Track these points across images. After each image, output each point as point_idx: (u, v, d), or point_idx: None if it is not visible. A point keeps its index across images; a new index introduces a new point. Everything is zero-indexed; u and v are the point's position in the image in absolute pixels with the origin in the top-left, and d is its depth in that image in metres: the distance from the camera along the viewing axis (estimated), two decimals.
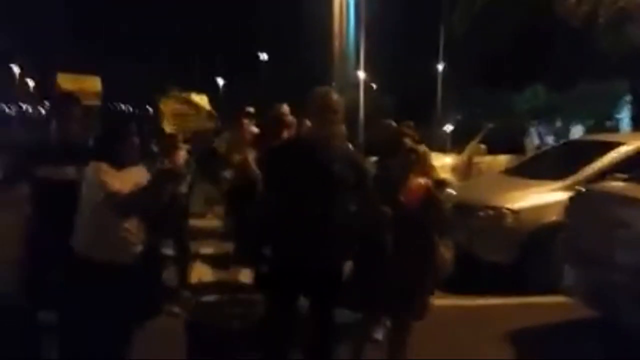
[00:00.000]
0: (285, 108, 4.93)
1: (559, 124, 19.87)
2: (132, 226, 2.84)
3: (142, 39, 41.29)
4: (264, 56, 39.73)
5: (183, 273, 4.97)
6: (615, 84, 14.08)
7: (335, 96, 2.98)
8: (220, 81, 42.38)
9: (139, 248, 2.92)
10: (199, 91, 6.41)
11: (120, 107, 43.51)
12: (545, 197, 5.59)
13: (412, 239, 3.17)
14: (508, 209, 5.56)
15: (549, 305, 4.85)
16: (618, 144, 5.85)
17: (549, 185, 5.75)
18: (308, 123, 5.55)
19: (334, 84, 29.84)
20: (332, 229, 2.90)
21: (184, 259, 5.04)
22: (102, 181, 2.70)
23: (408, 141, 3.49)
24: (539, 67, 13.25)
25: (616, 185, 4.47)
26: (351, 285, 3.20)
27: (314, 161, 2.88)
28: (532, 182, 6.13)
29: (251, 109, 5.98)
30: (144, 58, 40.70)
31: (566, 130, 18.97)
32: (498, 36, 12.05)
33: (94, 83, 8.95)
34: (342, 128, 3.47)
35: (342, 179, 2.88)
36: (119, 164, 2.82)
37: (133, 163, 2.92)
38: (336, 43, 31.08)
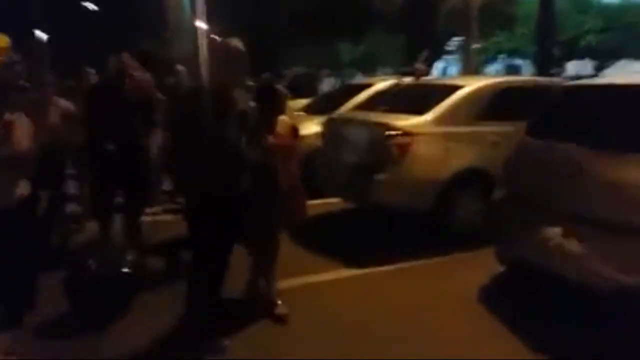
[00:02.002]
0: (127, 56, 4.94)
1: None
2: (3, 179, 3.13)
3: None
4: (91, 6, 37.59)
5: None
6: (399, 38, 16.79)
7: (240, 47, 3.31)
8: (43, 35, 39.28)
9: (16, 199, 3.21)
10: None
11: None
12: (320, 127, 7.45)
13: (287, 163, 3.76)
14: None
15: (324, 204, 6.36)
16: (370, 85, 7.94)
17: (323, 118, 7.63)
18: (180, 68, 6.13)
19: (167, 33, 29.56)
20: (235, 160, 3.27)
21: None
22: None
23: (280, 88, 3.99)
24: (343, 24, 15.27)
25: (350, 112, 6.45)
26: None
27: (221, 103, 3.22)
28: (314, 117, 8.00)
29: None
30: None
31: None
32: None
33: None
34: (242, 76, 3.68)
35: (242, 119, 3.29)
36: None
37: None
38: None
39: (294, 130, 3.93)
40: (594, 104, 3.83)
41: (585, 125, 3.76)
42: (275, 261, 3.90)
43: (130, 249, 4.32)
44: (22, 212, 3.22)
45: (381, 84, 7.78)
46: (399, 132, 5.02)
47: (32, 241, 3.38)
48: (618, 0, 29.31)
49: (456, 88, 5.45)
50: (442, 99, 5.34)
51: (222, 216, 3.24)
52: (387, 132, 5.05)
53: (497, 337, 3.52)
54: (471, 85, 5.54)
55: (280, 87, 4.00)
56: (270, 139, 3.64)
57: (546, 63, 10.34)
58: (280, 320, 3.73)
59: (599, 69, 28.85)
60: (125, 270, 3.89)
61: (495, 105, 5.35)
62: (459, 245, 4.94)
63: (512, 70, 25.64)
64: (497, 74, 25.36)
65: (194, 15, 25.77)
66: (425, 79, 6.89)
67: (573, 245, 3.46)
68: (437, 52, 16.49)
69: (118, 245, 4.64)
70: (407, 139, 4.99)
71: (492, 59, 33.56)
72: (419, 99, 5.81)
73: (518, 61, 26.70)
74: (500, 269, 4.38)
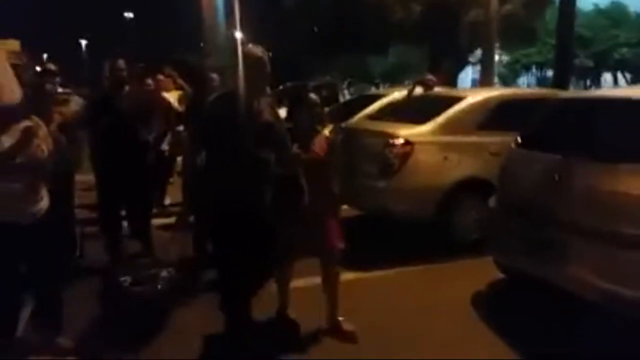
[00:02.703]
0: (121, 63, 4.76)
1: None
2: (22, 187, 3.04)
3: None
4: (129, 15, 39.02)
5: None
6: (423, 49, 16.95)
7: (260, 54, 3.17)
8: (83, 41, 40.99)
9: (37, 208, 3.14)
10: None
11: None
12: None
13: (319, 181, 3.45)
14: None
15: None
16: (381, 96, 8.13)
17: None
18: (214, 76, 5.88)
19: (202, 44, 30.30)
20: (260, 174, 3.15)
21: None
22: None
23: (312, 96, 3.73)
24: (366, 37, 15.47)
25: (359, 121, 6.66)
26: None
27: (245, 114, 3.11)
28: (329, 125, 8.23)
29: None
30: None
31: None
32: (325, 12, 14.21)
33: None
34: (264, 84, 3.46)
35: (268, 130, 3.17)
36: None
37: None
38: (206, 2, 31.15)
39: (333, 142, 3.58)
40: (584, 115, 3.93)
41: (575, 136, 3.85)
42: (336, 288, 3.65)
43: (160, 265, 4.24)
44: (44, 225, 3.15)
45: (395, 95, 7.95)
46: (399, 141, 5.18)
47: (55, 255, 3.31)
48: None
49: (459, 99, 5.59)
50: (444, 110, 5.48)
51: (243, 233, 3.09)
52: (388, 141, 5.22)
53: (491, 344, 3.59)
54: (474, 96, 5.68)
55: (312, 95, 3.74)
56: (296, 151, 3.35)
57: (566, 75, 10.32)
58: (350, 339, 3.54)
59: (634, 81, 28.30)
60: (159, 286, 3.91)
61: (496, 116, 5.45)
62: (461, 252, 5.02)
63: (544, 81, 25.38)
64: (528, 86, 25.24)
65: (229, 25, 26.58)
66: (437, 89, 7.03)
67: (562, 255, 3.53)
68: (460, 63, 16.58)
69: (146, 261, 4.58)
70: (407, 148, 5.15)
71: (526, 71, 33.33)
72: (425, 109, 5.96)
73: (551, 73, 26.48)
74: (500, 275, 4.47)
